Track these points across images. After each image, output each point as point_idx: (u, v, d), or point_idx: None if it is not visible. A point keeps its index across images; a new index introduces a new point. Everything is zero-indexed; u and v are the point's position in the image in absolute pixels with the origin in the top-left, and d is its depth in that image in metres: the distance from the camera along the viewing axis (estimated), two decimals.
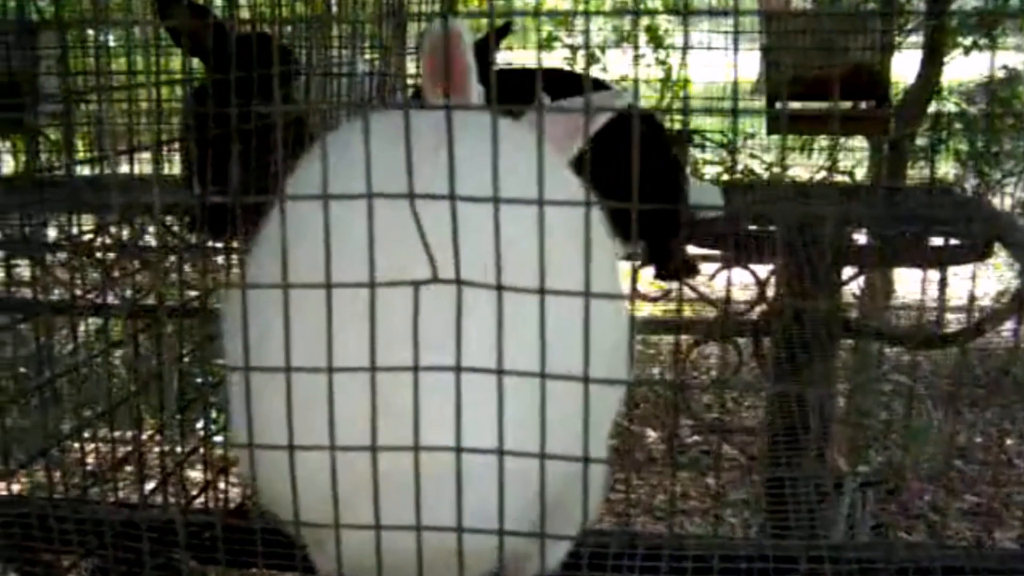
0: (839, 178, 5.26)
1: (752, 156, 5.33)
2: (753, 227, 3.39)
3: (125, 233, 1.92)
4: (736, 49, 3.95)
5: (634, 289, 3.33)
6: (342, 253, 1.08)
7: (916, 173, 6.26)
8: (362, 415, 1.11)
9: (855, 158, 6.03)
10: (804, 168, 6.27)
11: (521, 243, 1.09)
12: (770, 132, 4.14)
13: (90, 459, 1.71)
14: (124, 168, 1.67)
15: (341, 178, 1.08)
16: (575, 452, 1.13)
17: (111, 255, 2.19)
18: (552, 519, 1.24)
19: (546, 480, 1.14)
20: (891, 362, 6.00)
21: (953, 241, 3.33)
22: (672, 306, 5.38)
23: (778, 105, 3.86)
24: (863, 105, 3.97)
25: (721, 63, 4.73)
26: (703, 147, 5.24)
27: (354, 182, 1.07)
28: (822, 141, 6.56)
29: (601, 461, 1.12)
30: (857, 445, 4.73)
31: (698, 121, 5.16)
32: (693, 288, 3.44)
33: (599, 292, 1.06)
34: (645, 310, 4.69)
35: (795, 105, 3.83)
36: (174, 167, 2.58)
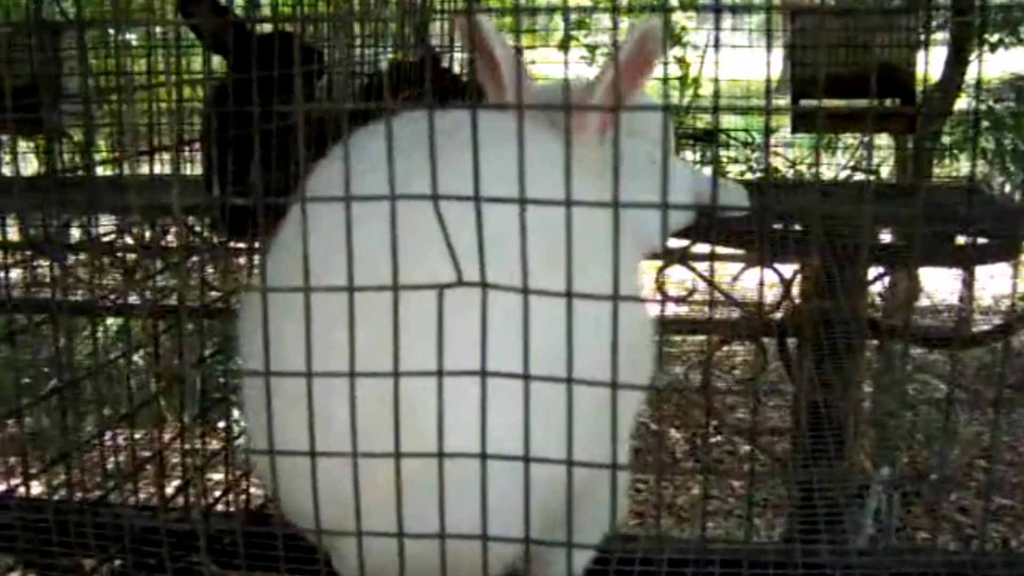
0: (860, 176, 5.22)
1: (776, 154, 5.29)
2: (778, 226, 3.36)
3: (147, 234, 1.90)
4: (769, 47, 3.91)
5: (660, 290, 3.31)
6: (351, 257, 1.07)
7: (942, 171, 6.21)
8: (360, 420, 1.10)
9: (880, 156, 5.98)
10: (829, 167, 6.24)
11: (535, 249, 1.07)
12: (795, 130, 4.10)
13: (114, 461, 1.70)
14: (145, 168, 1.66)
15: (354, 184, 1.07)
16: (589, 456, 1.11)
17: (131, 256, 2.18)
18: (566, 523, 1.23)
19: (554, 484, 1.13)
20: (916, 362, 5.96)
21: (980, 240, 3.29)
22: (698, 306, 5.37)
23: (803, 103, 3.84)
24: (888, 103, 3.93)
25: (741, 60, 4.70)
26: (727, 145, 5.20)
27: (366, 188, 1.07)
28: (848, 139, 6.52)
29: (605, 466, 1.10)
30: (884, 447, 4.70)
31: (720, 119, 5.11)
32: (718, 287, 3.41)
33: (617, 295, 1.04)
34: (670, 310, 4.68)
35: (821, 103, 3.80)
36: (196, 167, 2.57)
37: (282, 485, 1.23)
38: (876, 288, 4.47)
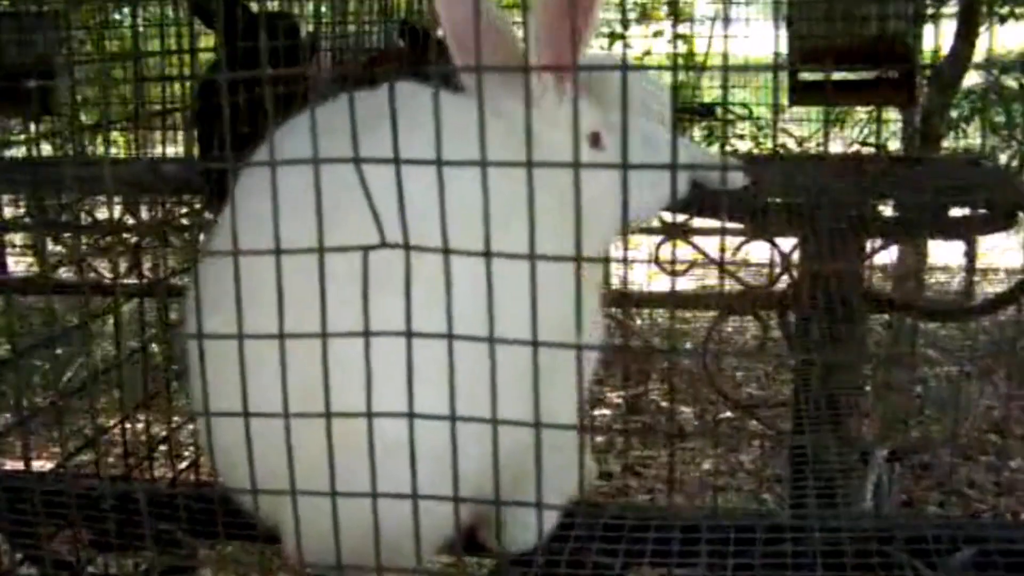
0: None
1: (783, 131, 5.26)
2: (777, 199, 3.35)
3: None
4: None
5: (659, 264, 3.30)
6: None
7: (952, 144, 6.18)
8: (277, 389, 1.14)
9: (889, 130, 5.95)
10: (839, 141, 6.22)
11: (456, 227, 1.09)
12: (791, 103, 4.08)
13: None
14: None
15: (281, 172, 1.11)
16: (520, 429, 1.13)
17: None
18: (510, 489, 1.25)
19: (484, 464, 1.15)
20: (928, 336, 5.95)
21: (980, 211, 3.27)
22: (708, 281, 5.36)
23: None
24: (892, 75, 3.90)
25: (741, 33, 4.69)
26: (730, 121, 5.18)
27: (290, 181, 1.12)
28: (859, 114, 6.49)
29: (494, 421, 1.12)
30: (889, 419, 4.69)
31: (721, 94, 5.10)
32: (716, 261, 3.41)
33: (534, 254, 1.05)
34: (679, 284, 4.69)
35: (815, 76, 3.79)
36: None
37: (220, 460, 1.26)
38: (880, 261, 4.44)
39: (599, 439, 5.53)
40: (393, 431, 1.12)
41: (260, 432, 1.17)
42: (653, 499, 5.18)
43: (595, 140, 1.76)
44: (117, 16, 3.81)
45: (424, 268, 1.09)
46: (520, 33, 1.66)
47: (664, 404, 6.01)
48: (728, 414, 5.83)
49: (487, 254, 1.03)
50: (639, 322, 6.73)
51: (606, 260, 1.71)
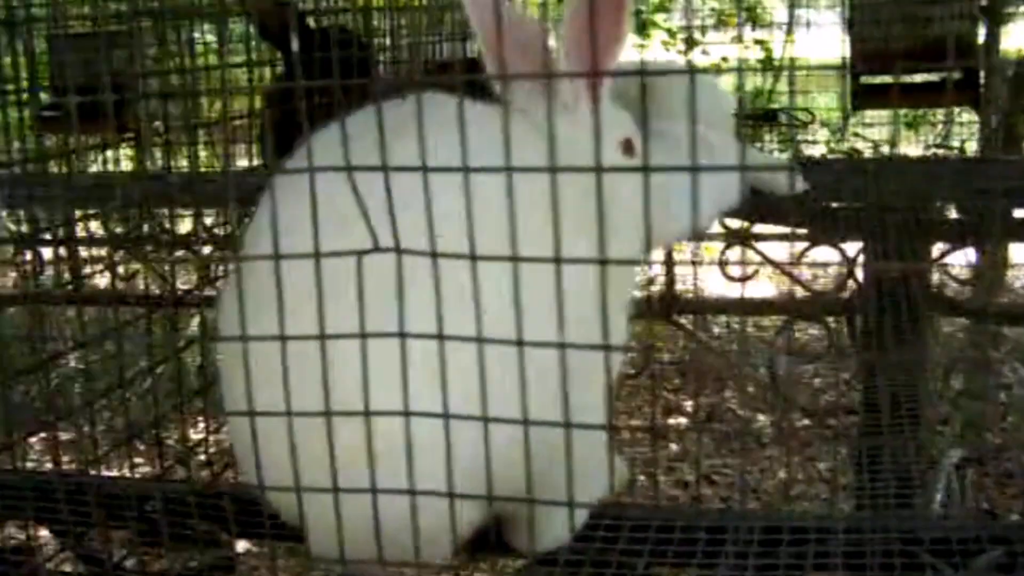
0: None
1: (855, 135, 5.21)
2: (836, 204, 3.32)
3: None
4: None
5: (723, 271, 3.28)
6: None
7: None
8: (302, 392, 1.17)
9: (967, 132, 5.84)
10: (915, 145, 6.13)
11: (457, 219, 1.11)
12: (854, 108, 4.04)
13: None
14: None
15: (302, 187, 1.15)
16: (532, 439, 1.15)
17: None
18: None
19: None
20: (1010, 342, 5.82)
21: None
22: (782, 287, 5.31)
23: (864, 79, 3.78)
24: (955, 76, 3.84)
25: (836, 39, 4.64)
26: (793, 126, 5.13)
27: (318, 186, 1.15)
28: (935, 116, 6.39)
29: (518, 422, 1.14)
30: (966, 425, 4.61)
31: (805, 100, 5.07)
32: (780, 267, 3.39)
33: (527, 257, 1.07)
34: (753, 291, 4.66)
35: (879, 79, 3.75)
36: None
37: (248, 462, 1.31)
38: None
39: (673, 447, 5.52)
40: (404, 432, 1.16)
41: (283, 434, 1.20)
42: (729, 507, 5.14)
43: (627, 147, 1.76)
44: (197, 34, 3.89)
45: (455, 275, 1.12)
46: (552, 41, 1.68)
47: (740, 412, 5.97)
48: (806, 421, 5.76)
49: (472, 257, 1.06)
50: (716, 330, 6.69)
51: (610, 262, 1.70)
